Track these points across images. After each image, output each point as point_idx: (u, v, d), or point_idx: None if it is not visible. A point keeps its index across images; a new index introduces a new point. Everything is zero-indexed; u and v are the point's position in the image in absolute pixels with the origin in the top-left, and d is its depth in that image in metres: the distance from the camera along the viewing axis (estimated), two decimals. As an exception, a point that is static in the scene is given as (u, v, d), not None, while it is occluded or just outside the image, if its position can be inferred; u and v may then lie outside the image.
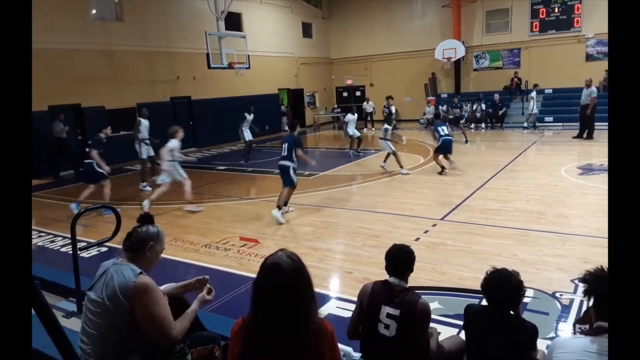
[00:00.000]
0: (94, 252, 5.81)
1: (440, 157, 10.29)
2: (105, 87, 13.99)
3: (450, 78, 21.59)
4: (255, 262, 5.28)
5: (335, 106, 24.25)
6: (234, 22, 17.97)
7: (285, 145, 7.26)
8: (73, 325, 3.45)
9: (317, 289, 1.91)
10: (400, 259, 2.62)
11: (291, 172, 7.14)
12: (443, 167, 10.18)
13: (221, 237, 6.37)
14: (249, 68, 15.85)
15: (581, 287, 1.84)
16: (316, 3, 23.52)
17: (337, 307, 4.19)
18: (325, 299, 4.34)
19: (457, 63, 20.76)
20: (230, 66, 15.13)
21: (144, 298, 2.18)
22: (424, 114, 20.35)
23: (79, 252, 3.72)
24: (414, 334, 2.48)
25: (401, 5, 22.20)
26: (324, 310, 4.07)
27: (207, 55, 14.29)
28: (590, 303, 1.85)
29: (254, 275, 1.84)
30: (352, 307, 2.79)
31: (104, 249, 5.90)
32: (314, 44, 23.69)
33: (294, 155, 7.12)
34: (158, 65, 15.69)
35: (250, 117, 13.71)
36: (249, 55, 15.76)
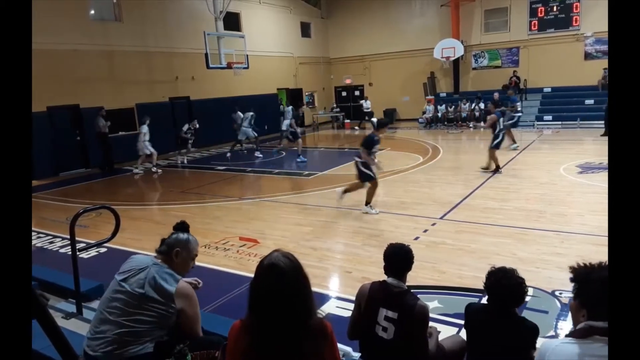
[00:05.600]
0: (93, 252, 5.81)
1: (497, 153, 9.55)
2: (104, 87, 13.98)
3: (449, 77, 21.59)
4: (255, 262, 5.25)
5: (334, 106, 24.25)
6: (232, 22, 17.96)
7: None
8: (73, 326, 3.44)
9: (317, 289, 1.91)
10: (397, 259, 2.60)
11: (361, 167, 7.21)
12: (499, 166, 9.66)
13: (220, 237, 6.37)
14: (247, 68, 15.85)
15: (571, 285, 1.79)
16: (315, 3, 23.52)
17: (337, 307, 4.18)
18: (325, 298, 4.34)
19: (456, 62, 20.76)
20: (229, 66, 15.12)
21: (189, 301, 2.45)
22: (423, 113, 20.36)
23: (78, 253, 3.72)
24: (412, 336, 2.46)
25: (400, 4, 22.20)
26: (324, 310, 4.06)
27: (206, 55, 14.29)
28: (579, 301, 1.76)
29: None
30: (352, 306, 2.79)
31: (103, 250, 5.89)
32: (312, 44, 23.69)
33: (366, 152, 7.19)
34: (157, 66, 15.68)
35: (241, 115, 14.75)
36: (247, 55, 15.76)
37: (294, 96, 22.59)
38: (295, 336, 1.73)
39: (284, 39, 21.43)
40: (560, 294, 4.19)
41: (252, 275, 1.82)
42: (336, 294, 4.51)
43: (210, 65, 14.47)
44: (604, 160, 10.25)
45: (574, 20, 18.68)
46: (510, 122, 12.81)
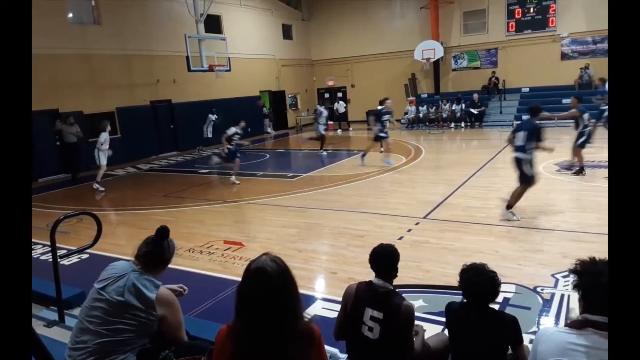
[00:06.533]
0: (74, 259, 5.71)
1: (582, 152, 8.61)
2: (84, 91, 13.75)
3: (430, 78, 21.82)
4: (240, 265, 5.25)
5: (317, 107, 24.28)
6: (213, 24, 17.85)
7: (520, 134, 6.29)
8: (55, 334, 3.38)
9: (302, 291, 1.91)
10: (383, 259, 2.62)
11: (526, 166, 6.28)
12: (583, 167, 8.92)
13: (205, 241, 6.32)
14: (229, 70, 15.77)
15: (571, 278, 1.83)
16: (296, 5, 23.52)
17: (323, 308, 4.19)
18: (311, 300, 4.35)
19: (436, 63, 21.00)
20: (210, 69, 15.03)
21: (171, 308, 2.41)
22: (405, 114, 20.54)
23: (59, 259, 3.65)
24: (398, 336, 2.48)
25: (380, 6, 22.36)
26: (310, 312, 4.07)
27: (187, 58, 14.17)
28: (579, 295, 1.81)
29: (240, 279, 1.82)
30: (338, 307, 2.80)
31: (85, 256, 5.79)
32: (294, 46, 23.69)
33: (532, 146, 6.15)
34: (137, 69, 15.49)
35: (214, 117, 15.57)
36: (229, 58, 15.69)
37: (277, 98, 22.57)
38: (283, 341, 1.72)
39: (265, 41, 21.39)
40: (542, 290, 4.27)
41: (237, 278, 1.81)
42: (322, 295, 4.52)
43: (192, 68, 14.36)
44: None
45: (550, 22, 19.08)
46: (602, 120, 11.47)
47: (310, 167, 11.98)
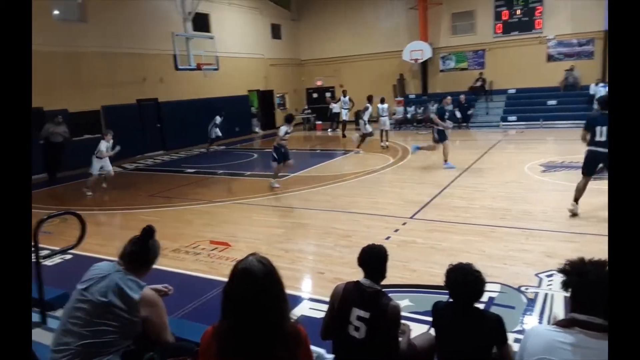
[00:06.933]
0: (57, 260, 5.63)
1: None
2: (69, 89, 13.55)
3: (418, 79, 21.93)
4: (227, 265, 5.23)
5: (306, 107, 24.26)
6: (202, 23, 17.73)
7: (604, 129, 5.96)
8: (37, 336, 3.32)
9: (289, 291, 1.90)
10: (372, 259, 2.63)
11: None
12: None
13: (191, 241, 6.27)
14: (217, 69, 15.67)
15: (559, 277, 1.86)
16: (285, 4, 23.47)
17: (310, 308, 4.19)
18: (297, 300, 4.34)
19: (424, 64, 21.12)
20: (198, 68, 14.93)
21: (155, 309, 2.38)
22: (393, 114, 20.60)
23: (42, 260, 3.59)
24: (384, 336, 2.49)
25: (369, 7, 22.40)
26: (297, 312, 4.06)
27: (175, 56, 14.06)
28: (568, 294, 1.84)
29: (226, 279, 1.81)
30: (325, 307, 2.80)
31: (68, 257, 5.71)
32: (283, 45, 23.63)
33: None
34: (123, 67, 15.30)
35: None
36: (218, 57, 15.60)
37: (265, 98, 22.49)
38: (269, 341, 1.72)
39: (254, 40, 21.30)
40: (526, 289, 4.32)
41: (223, 279, 1.80)
42: (309, 295, 4.52)
43: (179, 67, 14.25)
44: (566, 159, 10.64)
45: (537, 24, 19.29)
46: None
47: (298, 167, 11.96)
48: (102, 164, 9.88)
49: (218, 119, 16.15)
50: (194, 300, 4.38)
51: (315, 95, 24.95)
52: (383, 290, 2.62)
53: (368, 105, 14.34)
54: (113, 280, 2.34)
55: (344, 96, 19.09)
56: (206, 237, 6.42)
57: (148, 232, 2.58)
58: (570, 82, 18.51)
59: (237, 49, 19.76)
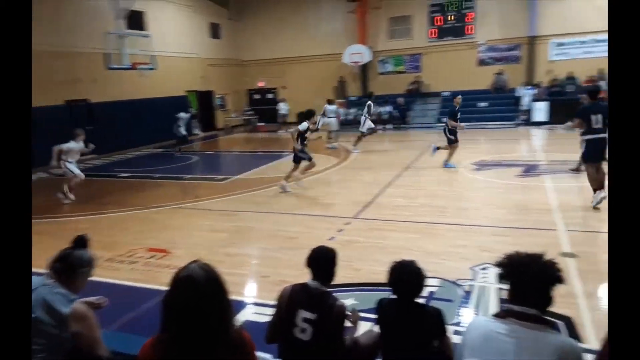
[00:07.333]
0: None
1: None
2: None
3: (358, 81, 22.36)
4: (165, 273, 5.02)
5: (247, 108, 23.98)
6: (137, 20, 16.99)
7: (599, 117, 6.28)
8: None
9: (233, 296, 1.86)
10: (322, 261, 2.64)
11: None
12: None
13: (126, 250, 5.97)
14: (153, 69, 15.08)
15: (497, 270, 1.95)
16: (223, 3, 23.01)
17: (254, 313, 4.13)
18: (242, 305, 4.26)
19: (364, 67, 21.58)
20: (133, 67, 14.29)
21: (86, 323, 2.28)
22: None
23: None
24: (330, 337, 2.50)
25: (310, 10, 22.52)
26: (241, 317, 3.99)
27: (107, 55, 13.37)
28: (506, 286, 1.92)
29: (165, 288, 1.73)
30: (270, 311, 2.77)
31: None
32: (223, 45, 23.17)
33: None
34: (52, 66, 14.27)
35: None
36: (155, 56, 15.01)
37: (204, 99, 21.94)
38: (213, 350, 1.67)
39: (191, 39, 20.67)
40: (463, 282, 4.51)
41: (162, 288, 1.73)
42: (253, 300, 4.45)
43: (111, 66, 13.55)
44: (496, 158, 11.27)
45: (469, 29, 20.29)
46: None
47: (241, 169, 11.78)
48: (73, 165, 9.30)
49: (183, 115, 15.22)
50: (130, 312, 4.18)
51: (257, 96, 24.71)
52: (329, 291, 2.63)
53: (370, 102, 14.31)
54: (40, 294, 2.22)
55: (330, 104, 16.19)
56: (143, 245, 6.14)
57: (80, 242, 2.46)
58: (499, 85, 19.66)
59: (175, 48, 19.12)
